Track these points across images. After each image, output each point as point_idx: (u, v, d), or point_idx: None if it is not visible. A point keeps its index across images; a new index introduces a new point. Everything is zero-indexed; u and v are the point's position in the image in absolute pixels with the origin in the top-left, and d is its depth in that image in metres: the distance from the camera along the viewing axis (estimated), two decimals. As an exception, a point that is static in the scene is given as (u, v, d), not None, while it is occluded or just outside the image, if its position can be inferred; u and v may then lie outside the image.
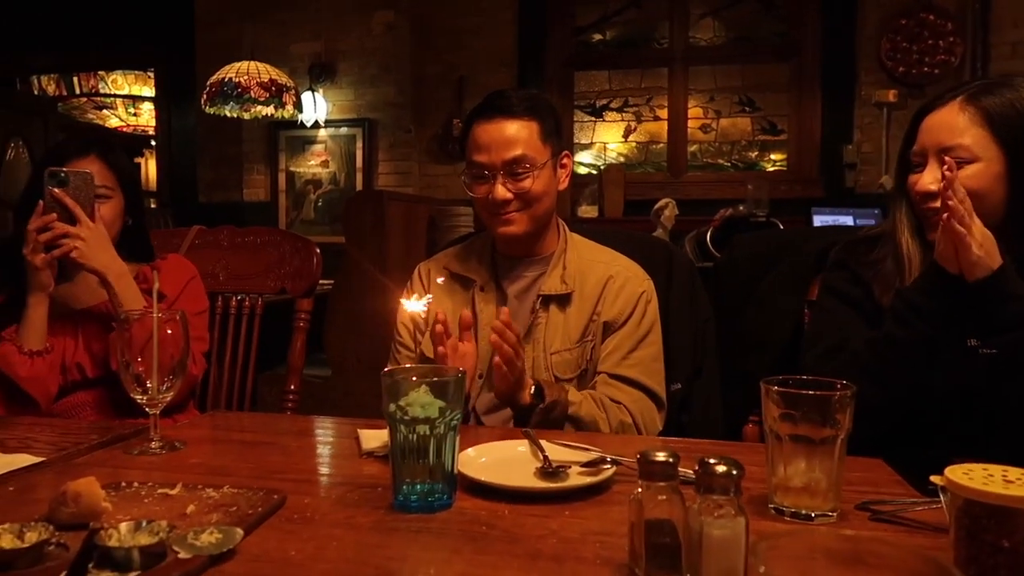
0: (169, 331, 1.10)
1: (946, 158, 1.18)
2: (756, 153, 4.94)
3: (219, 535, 0.73)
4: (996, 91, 1.23)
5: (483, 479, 0.91)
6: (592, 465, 0.97)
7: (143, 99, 7.42)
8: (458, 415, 0.88)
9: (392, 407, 0.87)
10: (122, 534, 0.71)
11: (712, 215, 3.64)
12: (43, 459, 1.05)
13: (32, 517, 0.76)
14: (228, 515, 0.81)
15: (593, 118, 5.13)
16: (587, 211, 4.73)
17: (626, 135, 5.10)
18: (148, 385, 1.09)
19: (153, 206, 5.75)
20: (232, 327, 1.81)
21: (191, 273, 1.64)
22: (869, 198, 4.26)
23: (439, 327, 1.27)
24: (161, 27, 5.39)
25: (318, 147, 5.12)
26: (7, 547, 0.69)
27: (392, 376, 0.90)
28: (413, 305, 1.33)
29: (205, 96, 4.25)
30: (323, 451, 1.20)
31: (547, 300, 1.44)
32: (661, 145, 5.02)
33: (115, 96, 7.44)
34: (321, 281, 1.88)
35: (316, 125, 4.99)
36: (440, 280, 1.50)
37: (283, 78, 4.30)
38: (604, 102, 5.11)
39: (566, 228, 1.54)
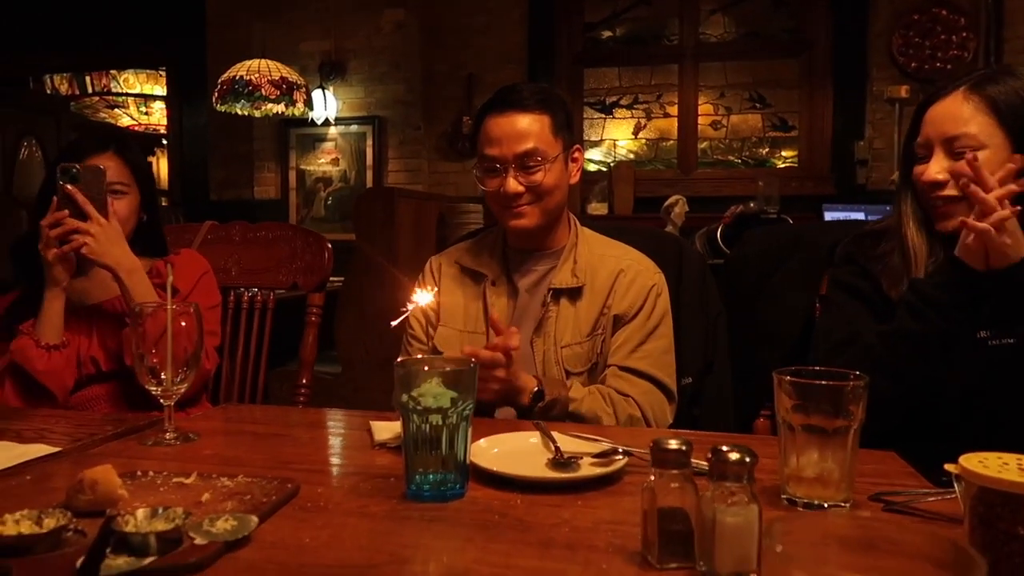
0: (183, 323, 1.11)
1: (968, 154, 1.17)
2: (767, 150, 4.92)
3: (234, 522, 0.74)
4: (1000, 79, 1.23)
5: (495, 469, 0.91)
6: (604, 456, 0.97)
7: (155, 98, 7.47)
8: (470, 405, 0.89)
9: (405, 397, 0.87)
10: (139, 520, 0.71)
11: (722, 212, 3.62)
12: (59, 449, 1.06)
13: (49, 505, 0.77)
14: (243, 503, 0.82)
15: (603, 115, 5.12)
16: (597, 208, 4.73)
17: (636, 132, 5.09)
18: (163, 377, 1.10)
19: (164, 204, 5.78)
20: (244, 322, 1.82)
21: (204, 268, 1.65)
22: (881, 195, 4.23)
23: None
24: (172, 26, 5.42)
25: (328, 145, 5.13)
26: (26, 532, 0.70)
27: (405, 367, 0.90)
28: (422, 298, 1.33)
29: (216, 94, 4.27)
30: (335, 442, 1.21)
31: (558, 294, 1.44)
32: (671, 142, 5.01)
33: (127, 95, 7.50)
34: (331, 278, 1.89)
35: (326, 123, 5.01)
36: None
37: (294, 76, 4.31)
38: (614, 99, 5.10)
39: (577, 222, 1.55)
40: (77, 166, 1.42)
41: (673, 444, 0.71)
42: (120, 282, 1.44)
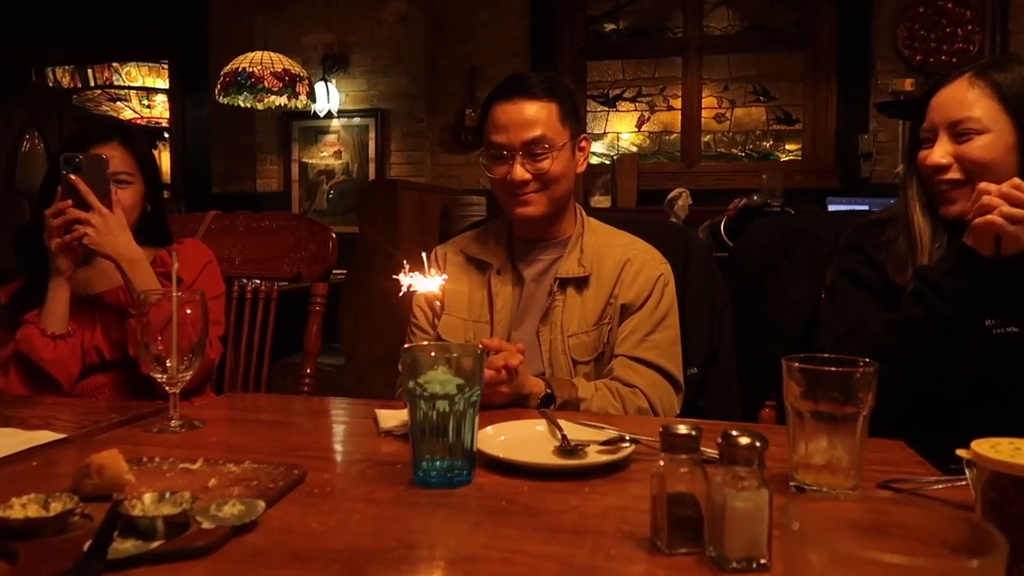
0: (189, 311, 1.11)
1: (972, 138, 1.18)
2: (770, 143, 4.90)
3: (241, 507, 0.74)
4: (1005, 66, 1.24)
5: (502, 456, 0.91)
6: (610, 443, 0.97)
7: (157, 91, 7.46)
8: (477, 392, 0.88)
9: (411, 384, 0.87)
10: (146, 504, 0.71)
11: (726, 205, 3.62)
12: (64, 436, 1.06)
13: (56, 489, 0.76)
14: (249, 489, 0.82)
15: (606, 108, 5.10)
16: (600, 201, 4.72)
17: (639, 125, 5.08)
18: (168, 365, 1.09)
19: (167, 196, 5.78)
20: (248, 312, 1.82)
21: (208, 257, 1.65)
22: (885, 188, 4.22)
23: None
24: (175, 19, 5.40)
25: (331, 137, 5.13)
26: (33, 516, 0.70)
27: (411, 353, 0.90)
28: (427, 284, 1.32)
29: (219, 86, 4.26)
30: (340, 430, 1.20)
31: (564, 283, 1.44)
32: (675, 135, 4.99)
33: (129, 88, 7.49)
34: (334, 271, 1.89)
35: (329, 115, 5.00)
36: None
37: (296, 68, 4.30)
38: (617, 92, 5.09)
39: (583, 212, 1.54)
40: (80, 156, 1.41)
41: (683, 429, 0.71)
42: (122, 272, 1.43)
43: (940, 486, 0.86)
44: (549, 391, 1.27)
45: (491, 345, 1.21)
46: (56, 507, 0.71)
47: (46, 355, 1.42)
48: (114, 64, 7.15)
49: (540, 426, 1.06)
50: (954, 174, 1.23)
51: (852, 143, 4.51)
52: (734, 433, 0.67)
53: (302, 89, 4.28)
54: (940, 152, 1.24)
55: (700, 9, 4.89)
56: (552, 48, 4.94)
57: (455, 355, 0.89)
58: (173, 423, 1.10)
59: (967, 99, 1.22)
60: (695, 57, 4.90)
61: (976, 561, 0.37)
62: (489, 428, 1.02)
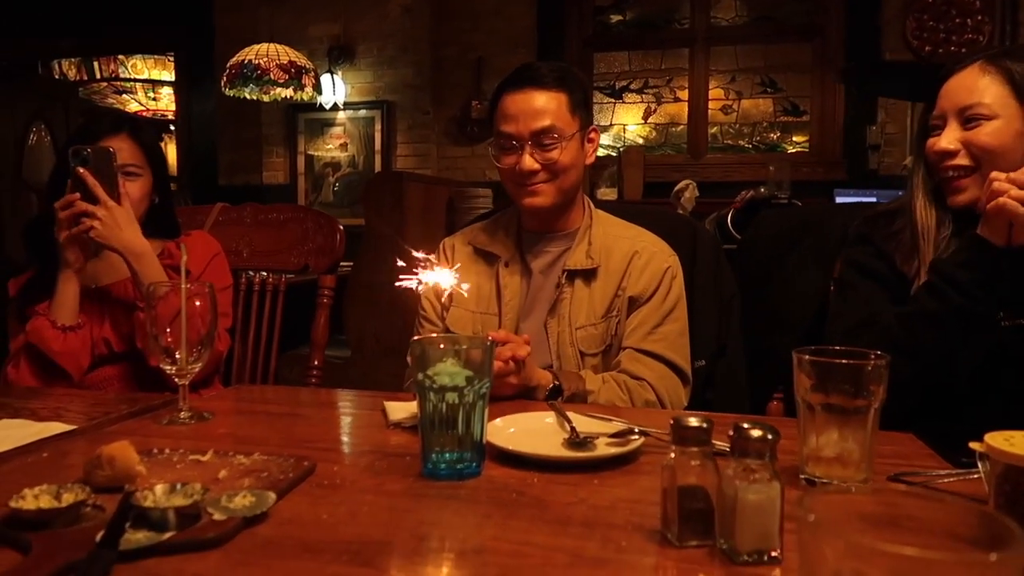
0: (198, 303, 1.11)
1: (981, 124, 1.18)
2: (778, 135, 4.88)
3: (252, 498, 0.74)
4: (1018, 54, 1.24)
5: (512, 448, 0.91)
6: (619, 436, 0.96)
7: (162, 83, 7.46)
8: (487, 384, 0.88)
9: (421, 376, 0.87)
10: (158, 496, 0.71)
11: (733, 197, 3.61)
12: (75, 427, 1.06)
13: (67, 480, 0.77)
14: (260, 480, 0.82)
15: (612, 100, 5.09)
16: (606, 193, 4.71)
17: (646, 117, 5.06)
18: (177, 356, 1.10)
19: (173, 189, 5.79)
20: (256, 304, 1.82)
21: (215, 249, 1.65)
22: (893, 180, 4.19)
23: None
24: (180, 11, 5.40)
25: (337, 129, 5.12)
26: (46, 507, 0.70)
27: (420, 345, 0.90)
28: (437, 277, 1.32)
29: (225, 78, 4.26)
30: (349, 422, 1.21)
31: (572, 275, 1.44)
32: (681, 127, 4.97)
33: (135, 80, 7.49)
34: (341, 263, 1.89)
35: (335, 107, 4.99)
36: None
37: (302, 60, 4.30)
38: (624, 84, 5.07)
39: (591, 204, 1.54)
40: (88, 149, 1.42)
41: (694, 422, 0.70)
42: (129, 265, 1.44)
43: (951, 479, 0.85)
44: (556, 383, 1.27)
45: (499, 337, 1.21)
46: (68, 498, 0.71)
47: (56, 346, 1.43)
48: (120, 56, 7.16)
49: (549, 418, 1.06)
50: (962, 160, 1.23)
51: (860, 135, 4.48)
52: (746, 426, 0.67)
53: (308, 81, 4.28)
54: (948, 138, 1.24)
55: (707, 0, 4.86)
56: (559, 39, 4.92)
57: (464, 347, 0.89)
58: (182, 415, 1.11)
59: (978, 86, 1.22)
60: (702, 48, 4.88)
61: (995, 554, 0.37)
62: (498, 420, 1.02)
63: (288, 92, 4.24)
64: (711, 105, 4.91)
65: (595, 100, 5.04)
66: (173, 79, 6.35)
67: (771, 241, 1.74)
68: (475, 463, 0.88)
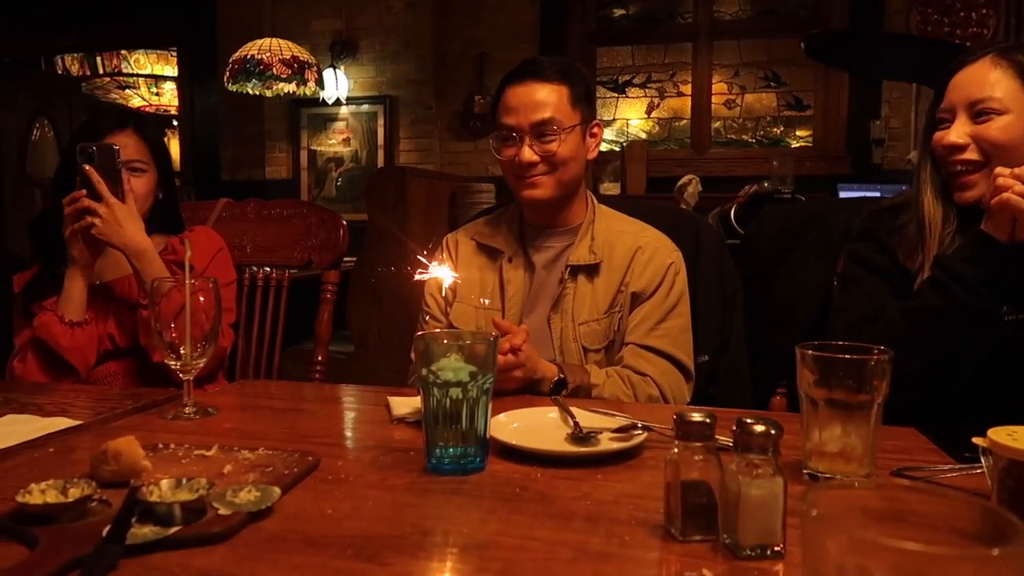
0: (202, 298, 1.11)
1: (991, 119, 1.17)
2: (781, 129, 4.87)
3: (257, 493, 0.74)
4: None
5: (515, 443, 0.91)
6: (623, 431, 0.97)
7: (165, 78, 7.46)
8: (490, 379, 0.88)
9: (424, 371, 0.87)
10: (163, 490, 0.72)
11: (736, 192, 3.60)
12: (80, 422, 1.07)
13: (73, 476, 0.77)
14: (264, 475, 0.82)
15: (615, 94, 5.08)
16: (609, 188, 4.70)
17: (649, 111, 5.05)
18: (182, 352, 1.10)
19: (177, 184, 5.79)
20: (259, 300, 1.82)
21: (219, 245, 1.65)
22: (897, 174, 4.19)
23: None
24: (183, 5, 5.40)
25: (339, 124, 5.12)
26: (52, 502, 0.70)
27: (424, 341, 0.90)
28: (443, 273, 1.32)
29: (228, 73, 4.26)
30: (353, 417, 1.21)
31: (575, 270, 1.44)
32: (684, 121, 4.97)
33: (137, 75, 7.49)
34: (344, 259, 1.89)
35: (338, 102, 4.99)
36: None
37: (305, 55, 4.29)
38: (627, 78, 5.06)
39: (595, 199, 1.54)
40: (93, 146, 1.42)
41: (697, 417, 0.71)
42: (130, 263, 1.44)
43: (954, 474, 0.85)
44: (561, 376, 1.28)
45: (502, 326, 1.22)
46: (74, 493, 0.72)
47: (64, 342, 1.44)
48: (123, 52, 7.16)
49: (552, 413, 1.06)
50: (971, 155, 1.21)
51: (864, 129, 4.47)
52: (749, 421, 0.67)
53: (310, 76, 4.27)
54: (957, 132, 1.22)
55: (711, -6, 4.85)
56: (561, 33, 4.91)
57: (468, 342, 0.89)
58: (187, 410, 1.11)
59: (989, 79, 1.21)
60: (705, 42, 4.86)
61: (997, 549, 0.37)
62: (502, 415, 1.02)
63: (291, 87, 4.24)
64: (714, 99, 4.90)
65: (598, 95, 5.03)
66: (176, 74, 6.36)
67: (774, 236, 1.74)
68: (479, 458, 0.88)
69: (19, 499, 0.70)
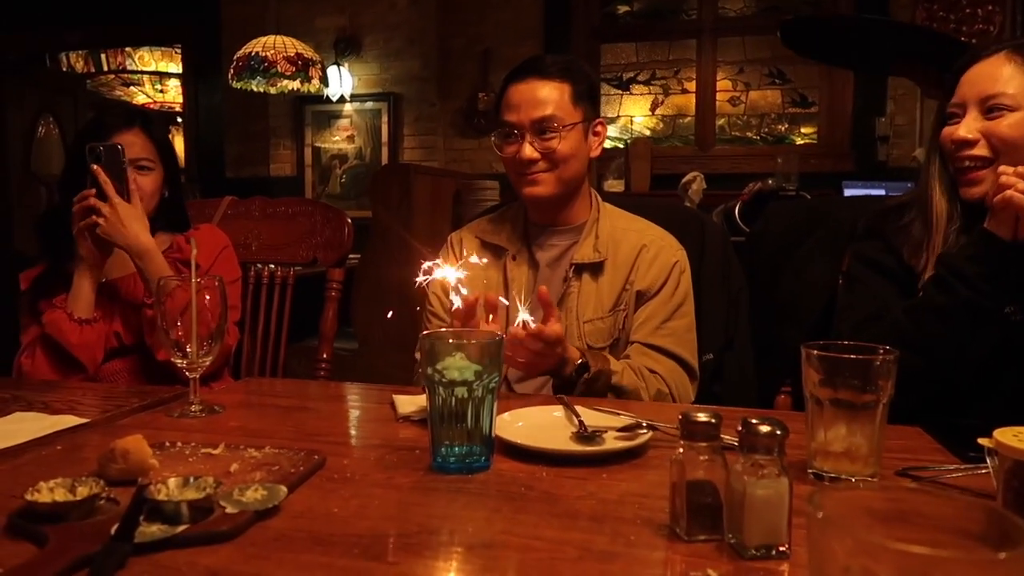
0: (208, 297, 1.12)
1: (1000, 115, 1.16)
2: (786, 126, 4.86)
3: (264, 492, 0.74)
4: None
5: (520, 442, 0.92)
6: (628, 430, 0.97)
7: (169, 75, 7.47)
8: (496, 378, 0.89)
9: (430, 370, 0.88)
10: (171, 489, 0.72)
11: (740, 189, 3.59)
12: (87, 420, 1.07)
13: (82, 473, 0.78)
14: (271, 474, 0.83)
15: (620, 91, 5.07)
16: (613, 185, 4.70)
17: (653, 108, 5.05)
18: (188, 350, 1.10)
19: (182, 182, 5.80)
20: (264, 297, 1.83)
21: (224, 243, 1.66)
22: (902, 172, 4.18)
23: (466, 306, 1.21)
24: (187, 2, 5.40)
25: (343, 122, 5.12)
26: (60, 500, 0.71)
27: (429, 340, 0.90)
28: (445, 273, 1.32)
29: (232, 71, 4.26)
30: (359, 415, 1.21)
31: (580, 269, 1.44)
32: (689, 118, 4.96)
33: (142, 72, 7.51)
34: (348, 256, 1.90)
35: (342, 99, 4.99)
36: (473, 259, 1.50)
37: (309, 52, 4.29)
38: (631, 75, 5.05)
39: (599, 198, 1.54)
40: (101, 146, 1.43)
41: (703, 417, 0.71)
42: (134, 262, 1.45)
43: (959, 474, 0.85)
44: (584, 360, 1.28)
45: (546, 297, 1.22)
46: (83, 491, 0.72)
47: (74, 339, 1.44)
48: (127, 49, 7.17)
49: (558, 412, 1.07)
50: (980, 151, 1.21)
51: (869, 126, 4.46)
52: (754, 421, 0.67)
53: (315, 73, 4.27)
54: (967, 127, 1.21)
55: (715, -10, 4.84)
56: (566, 30, 4.91)
57: (473, 342, 0.89)
58: (193, 408, 1.11)
59: (1002, 75, 1.20)
60: (710, 39, 4.85)
61: (1004, 553, 0.37)
62: (507, 414, 1.02)
63: (295, 84, 4.24)
64: (719, 96, 4.89)
65: (602, 92, 5.02)
66: (180, 71, 6.37)
67: (780, 234, 1.73)
68: (484, 457, 0.88)
69: (28, 497, 0.70)
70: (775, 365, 1.56)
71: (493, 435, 0.90)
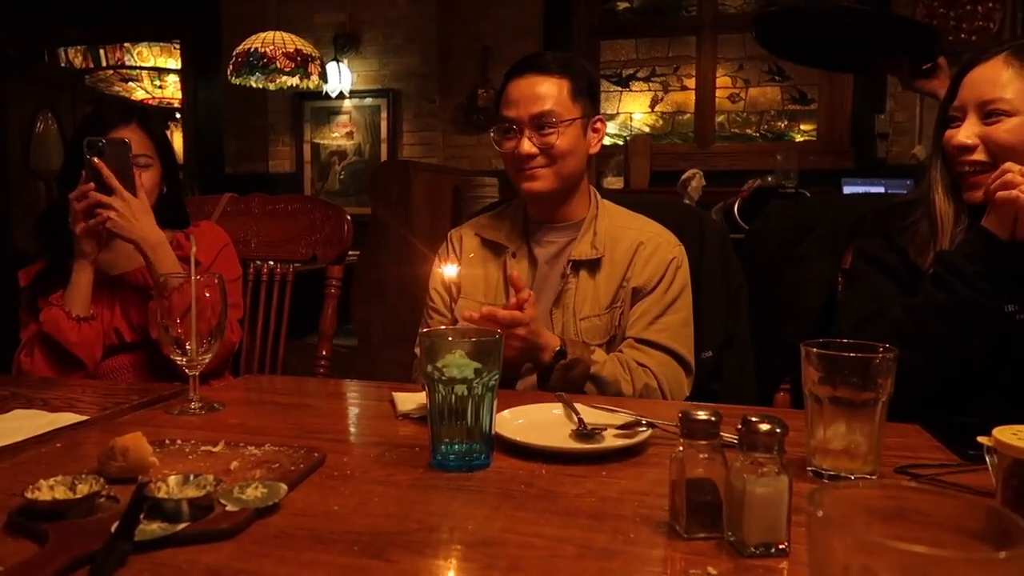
0: (208, 294, 1.12)
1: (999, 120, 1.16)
2: (785, 123, 4.86)
3: (264, 490, 0.74)
4: None
5: (520, 440, 0.92)
6: (627, 428, 0.97)
7: (168, 71, 7.46)
8: (495, 376, 0.89)
9: (430, 368, 0.88)
10: (171, 487, 0.72)
11: (740, 186, 3.60)
12: (87, 418, 1.07)
13: (81, 471, 0.78)
14: (271, 471, 0.83)
15: (619, 88, 5.07)
16: (612, 182, 4.70)
17: (652, 105, 5.04)
18: (188, 347, 1.10)
19: (181, 178, 5.79)
20: (264, 294, 1.83)
21: (224, 240, 1.65)
22: (901, 169, 4.18)
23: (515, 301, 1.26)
24: (186, -2, 5.39)
25: (343, 118, 5.12)
26: (61, 498, 0.71)
27: (429, 338, 0.90)
28: (447, 271, 1.33)
29: (231, 67, 4.25)
30: (358, 412, 1.21)
31: (577, 265, 1.44)
32: (688, 115, 4.95)
33: (141, 68, 7.49)
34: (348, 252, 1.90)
35: (341, 96, 4.98)
36: (471, 255, 1.50)
37: (308, 48, 4.28)
38: (630, 72, 5.04)
39: (598, 195, 1.54)
40: (103, 140, 1.42)
41: (703, 415, 0.71)
42: (145, 256, 1.45)
43: (959, 472, 0.85)
44: (562, 347, 1.28)
45: (518, 282, 1.27)
46: (83, 489, 0.72)
47: (73, 337, 1.44)
48: (126, 44, 7.16)
49: (557, 410, 1.07)
50: (979, 156, 1.21)
51: (868, 123, 4.46)
52: (754, 419, 0.67)
53: (314, 69, 4.26)
54: (966, 132, 1.21)
55: (715, -13, 4.83)
56: (566, 27, 4.90)
57: (473, 339, 0.89)
58: (193, 405, 1.11)
59: (1001, 79, 1.19)
60: (709, 36, 4.85)
61: (1004, 552, 0.37)
62: (506, 412, 1.02)
63: (294, 81, 4.23)
64: (718, 93, 4.89)
65: (602, 88, 5.00)
66: (179, 67, 6.35)
67: (779, 232, 1.74)
68: (484, 455, 0.88)
69: (28, 495, 0.70)
70: (774, 363, 1.56)
71: (493, 433, 0.90)
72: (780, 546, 0.66)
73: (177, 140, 6.15)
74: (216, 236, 1.65)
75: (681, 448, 0.71)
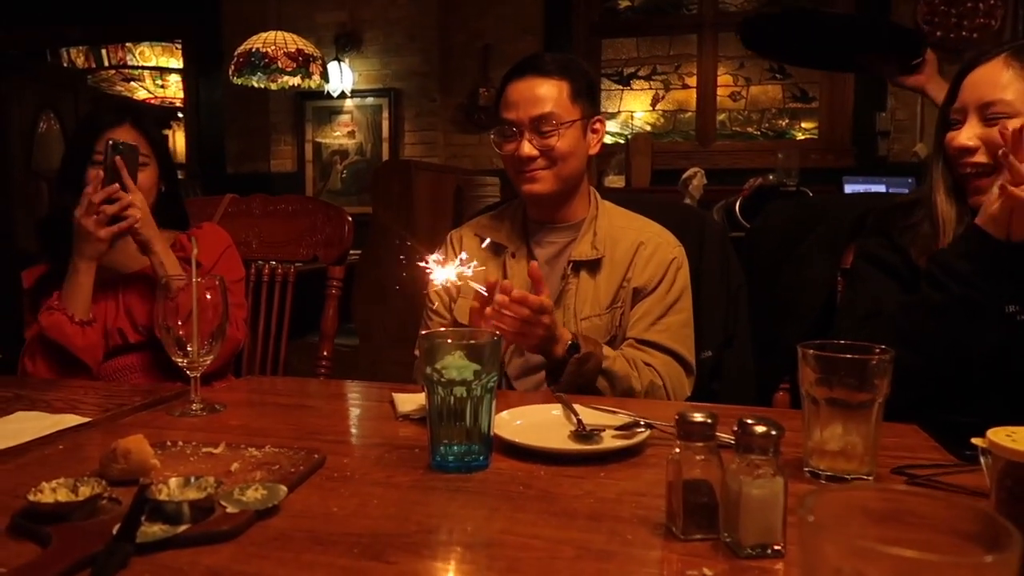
0: (209, 296, 1.12)
1: (1000, 122, 1.15)
2: (786, 121, 4.86)
3: (264, 491, 0.75)
4: None
5: (519, 441, 0.92)
6: (625, 428, 0.97)
7: (170, 71, 7.47)
8: (494, 378, 0.89)
9: (428, 370, 0.88)
10: (172, 489, 0.73)
11: (741, 185, 3.60)
12: (89, 419, 1.08)
13: (83, 473, 0.78)
14: (271, 473, 0.84)
15: (620, 86, 5.07)
16: (613, 181, 4.70)
17: (654, 103, 5.04)
18: (189, 348, 1.11)
19: (181, 178, 5.80)
20: (265, 295, 1.84)
21: (227, 242, 1.66)
22: (903, 167, 4.17)
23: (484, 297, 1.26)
24: (188, -2, 5.40)
25: (344, 117, 5.12)
26: (63, 500, 0.71)
27: (428, 339, 0.91)
28: (446, 272, 1.33)
29: (233, 67, 4.26)
30: (359, 414, 1.22)
31: (577, 266, 1.45)
32: (689, 114, 4.95)
33: (143, 68, 7.50)
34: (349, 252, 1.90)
35: (342, 95, 4.99)
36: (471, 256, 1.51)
37: (309, 48, 4.29)
38: (631, 70, 5.04)
39: (598, 195, 1.54)
40: (123, 143, 1.45)
41: (699, 417, 0.71)
42: (155, 255, 1.45)
43: (955, 472, 0.86)
44: (575, 340, 1.29)
45: (536, 274, 1.25)
46: (85, 491, 0.73)
47: (79, 342, 1.44)
48: (128, 44, 7.16)
49: (556, 411, 1.07)
50: (980, 157, 1.20)
51: (869, 121, 4.45)
52: (750, 421, 0.68)
53: (315, 69, 4.27)
54: (967, 134, 1.21)
55: (716, -15, 4.83)
56: (566, 25, 4.90)
57: (472, 341, 0.90)
58: (194, 407, 1.12)
59: (1000, 80, 1.19)
60: (710, 34, 4.85)
61: (991, 556, 0.38)
62: (505, 413, 1.03)
63: (295, 80, 4.24)
64: (719, 92, 4.89)
65: (603, 87, 5.02)
66: (181, 66, 6.36)
67: (779, 231, 1.74)
68: (483, 456, 0.89)
69: (31, 497, 0.71)
70: (774, 362, 1.56)
71: (492, 434, 0.91)
72: (776, 547, 0.66)
73: (179, 140, 6.17)
74: (218, 238, 1.65)
75: (678, 450, 0.72)
